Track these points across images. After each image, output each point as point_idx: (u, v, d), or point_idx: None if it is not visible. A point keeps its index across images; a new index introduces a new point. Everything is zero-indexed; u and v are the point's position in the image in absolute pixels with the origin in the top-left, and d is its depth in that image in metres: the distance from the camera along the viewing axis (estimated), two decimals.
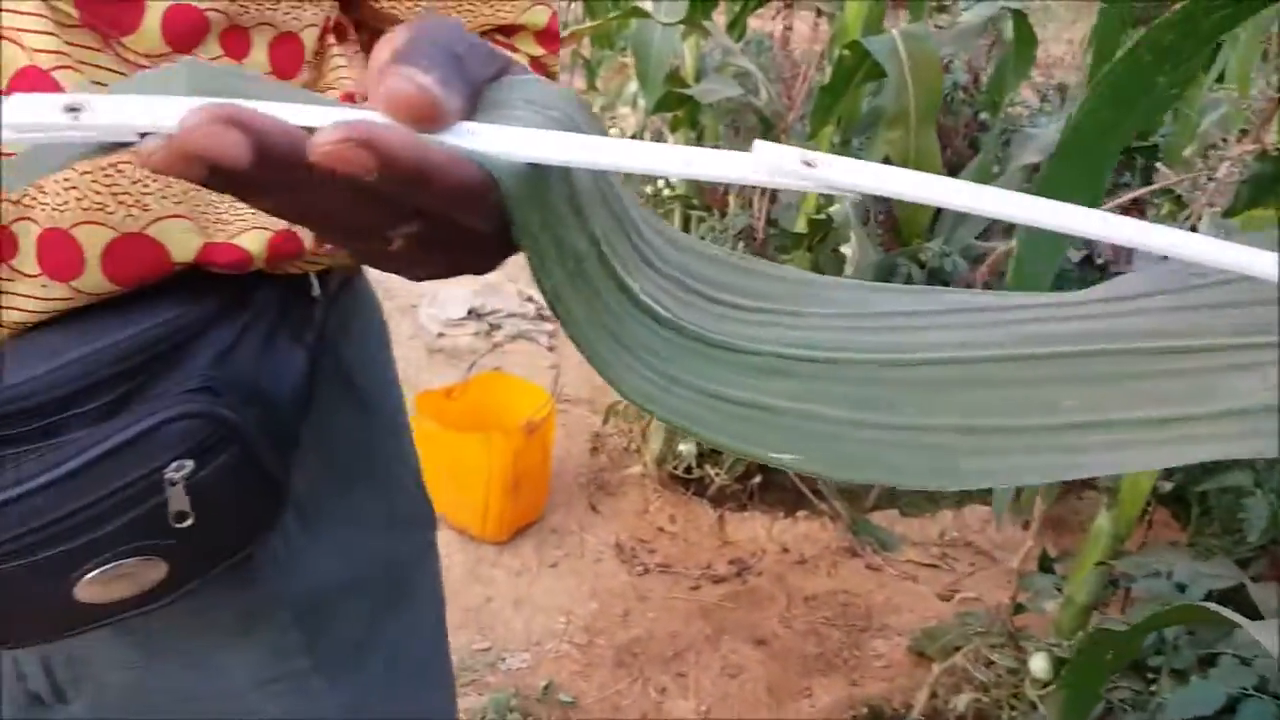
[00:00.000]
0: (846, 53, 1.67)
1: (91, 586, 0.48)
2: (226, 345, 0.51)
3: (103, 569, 0.47)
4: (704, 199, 2.12)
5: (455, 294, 2.82)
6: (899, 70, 1.62)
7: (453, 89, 0.28)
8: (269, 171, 0.25)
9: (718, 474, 1.99)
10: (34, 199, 0.45)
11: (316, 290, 0.56)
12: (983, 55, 2.24)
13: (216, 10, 0.46)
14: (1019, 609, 1.54)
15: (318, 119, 0.26)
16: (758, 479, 2.07)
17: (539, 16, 0.61)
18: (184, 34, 0.45)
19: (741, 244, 1.83)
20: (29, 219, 0.46)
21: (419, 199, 0.27)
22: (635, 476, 2.16)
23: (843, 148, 1.84)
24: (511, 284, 2.92)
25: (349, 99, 0.52)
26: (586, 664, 1.77)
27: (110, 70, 0.45)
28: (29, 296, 0.47)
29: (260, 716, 0.60)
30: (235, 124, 0.24)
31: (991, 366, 0.31)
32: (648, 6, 1.85)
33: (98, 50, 0.44)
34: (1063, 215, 0.27)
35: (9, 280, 0.46)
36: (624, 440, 2.26)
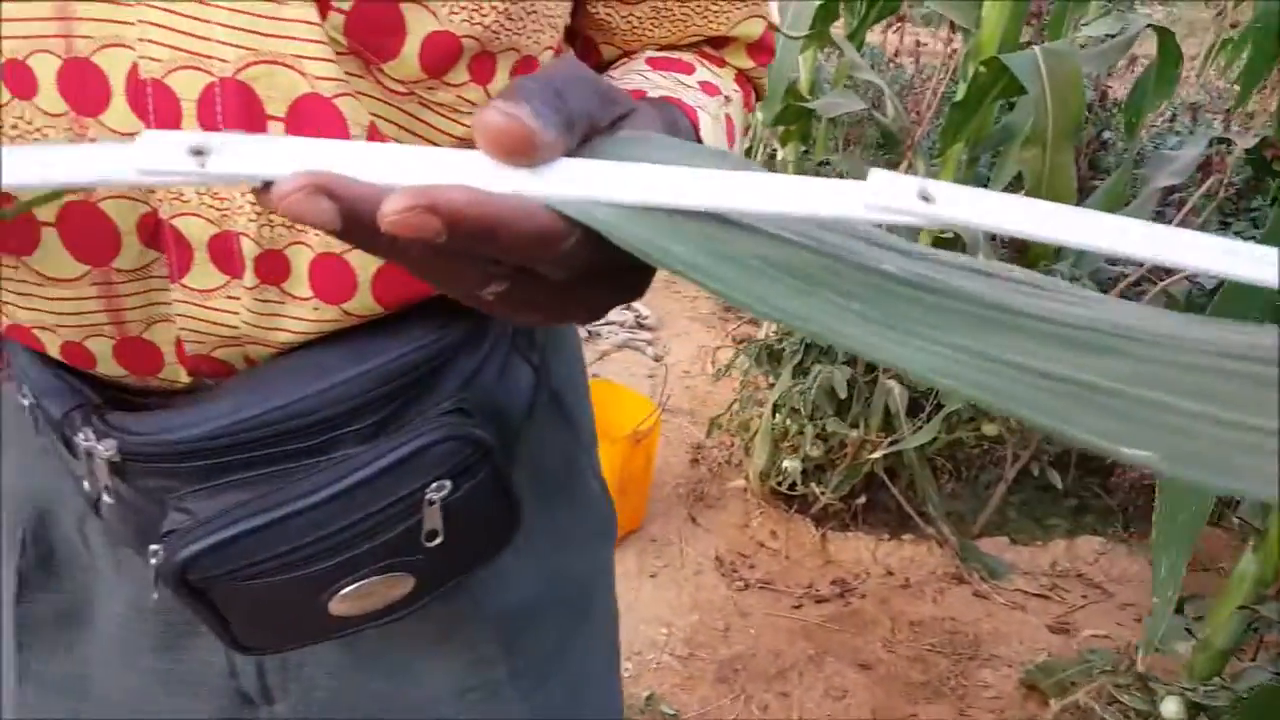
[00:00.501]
0: (983, 69, 1.63)
1: (346, 601, 0.47)
2: (474, 367, 0.50)
3: (359, 584, 0.47)
4: None
5: None
6: (1039, 88, 1.58)
7: (547, 121, 0.28)
8: (360, 234, 0.27)
9: (823, 492, 1.96)
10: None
11: None
12: (1108, 73, 2.17)
13: (471, 37, 0.45)
14: (1148, 649, 1.48)
15: (413, 169, 0.28)
16: (862, 499, 2.03)
17: (753, 28, 0.60)
18: (439, 60, 0.45)
19: None
20: (303, 244, 0.46)
21: (493, 253, 0.28)
22: (736, 490, 2.14)
23: (970, 165, 1.80)
24: None
25: None
26: (688, 677, 1.76)
27: (372, 97, 0.45)
28: (299, 318, 0.47)
29: None
30: (325, 192, 0.26)
31: None
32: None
33: (360, 77, 0.44)
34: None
35: (279, 302, 0.46)
36: (725, 453, 2.23)
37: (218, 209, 0.45)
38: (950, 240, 1.74)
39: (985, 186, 1.95)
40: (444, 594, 0.55)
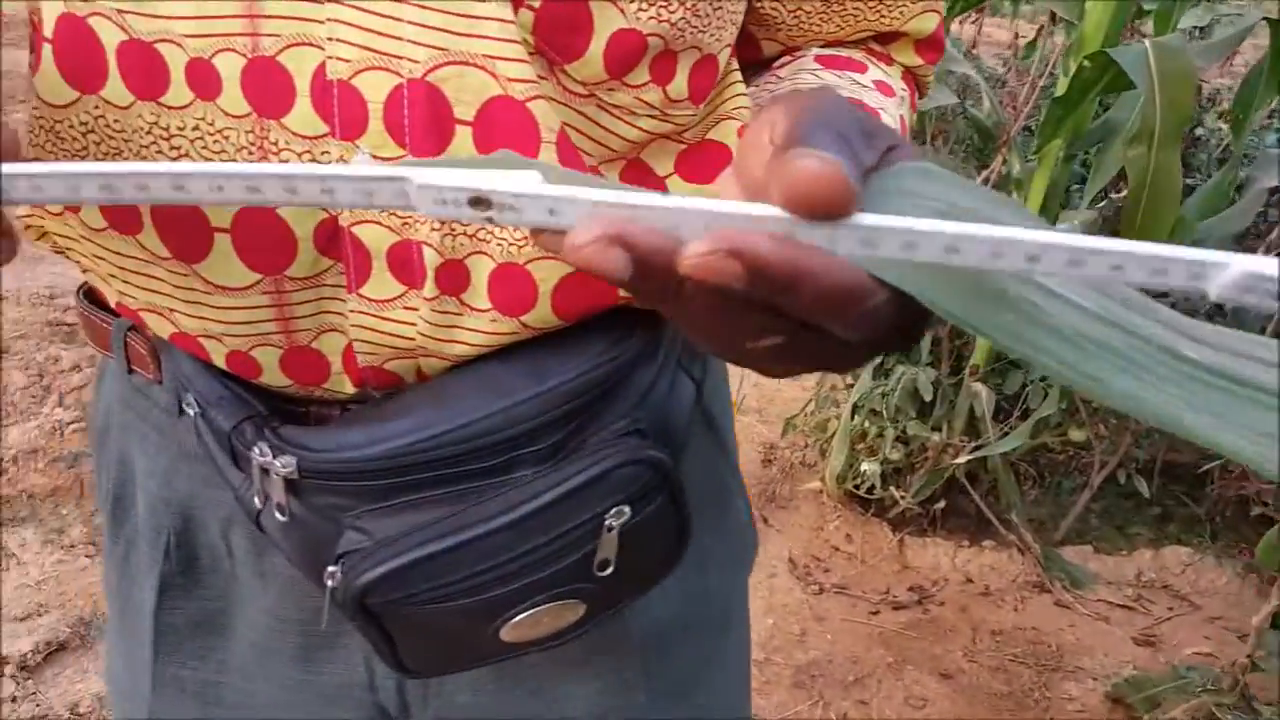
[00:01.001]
0: (1087, 63, 1.58)
1: (517, 628, 0.46)
2: (648, 384, 0.48)
3: (532, 611, 0.45)
4: None
5: None
6: (1148, 84, 1.52)
7: (854, 176, 0.26)
8: (645, 284, 0.26)
9: (902, 496, 1.92)
10: (490, 233, 0.43)
11: None
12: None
13: (657, 35, 0.43)
14: (1253, 668, 1.43)
15: (694, 221, 0.27)
16: (941, 504, 1.99)
17: (927, 23, 0.57)
18: (623, 60, 0.43)
19: None
20: (484, 253, 0.44)
21: (787, 306, 0.27)
22: (810, 492, 2.11)
23: (1066, 163, 1.75)
24: None
25: (743, 132, 0.49)
26: (764, 681, 1.73)
27: (554, 101, 0.43)
28: (476, 330, 0.45)
29: None
30: (619, 242, 0.25)
31: None
32: None
33: (544, 79, 0.42)
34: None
35: (457, 314, 0.44)
36: (798, 454, 2.20)
37: (400, 217, 0.43)
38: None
39: (1082, 185, 1.89)
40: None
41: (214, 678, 0.58)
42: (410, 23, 0.39)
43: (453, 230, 0.43)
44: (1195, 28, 2.57)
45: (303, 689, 0.57)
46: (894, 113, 0.52)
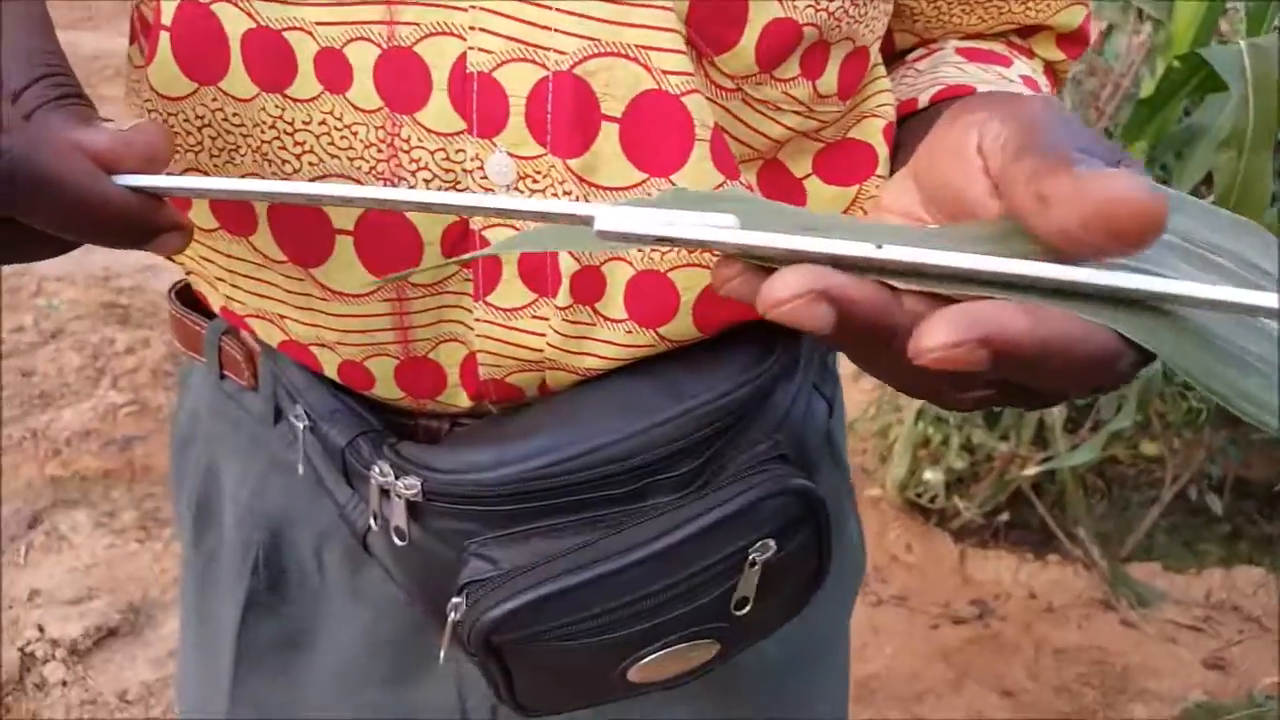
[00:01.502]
0: (1177, 64, 1.51)
1: (646, 669, 0.42)
2: (787, 405, 0.44)
3: (664, 651, 0.41)
4: None
5: None
6: (1242, 87, 1.46)
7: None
8: (850, 337, 0.25)
9: (966, 506, 1.86)
10: None
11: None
12: None
13: (813, 25, 0.39)
14: None
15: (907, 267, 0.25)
16: (1005, 515, 1.93)
17: (1074, 16, 0.52)
18: (776, 52, 0.39)
19: None
20: (622, 259, 0.40)
21: (1028, 378, 0.25)
22: (870, 500, 2.05)
23: (1148, 166, 1.68)
24: None
25: (890, 131, 0.46)
26: None
27: (701, 95, 0.39)
28: (609, 342, 0.41)
29: None
30: (826, 298, 0.23)
31: None
32: None
33: (691, 75, 0.39)
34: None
35: (590, 324, 0.40)
36: (858, 459, 2.15)
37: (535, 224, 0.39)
38: None
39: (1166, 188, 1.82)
40: None
41: (293, 697, 0.55)
42: (560, 10, 0.36)
43: None
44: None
45: (389, 712, 0.54)
46: None
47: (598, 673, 0.42)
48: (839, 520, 0.58)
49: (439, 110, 0.37)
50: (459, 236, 0.40)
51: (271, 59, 0.38)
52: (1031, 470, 1.81)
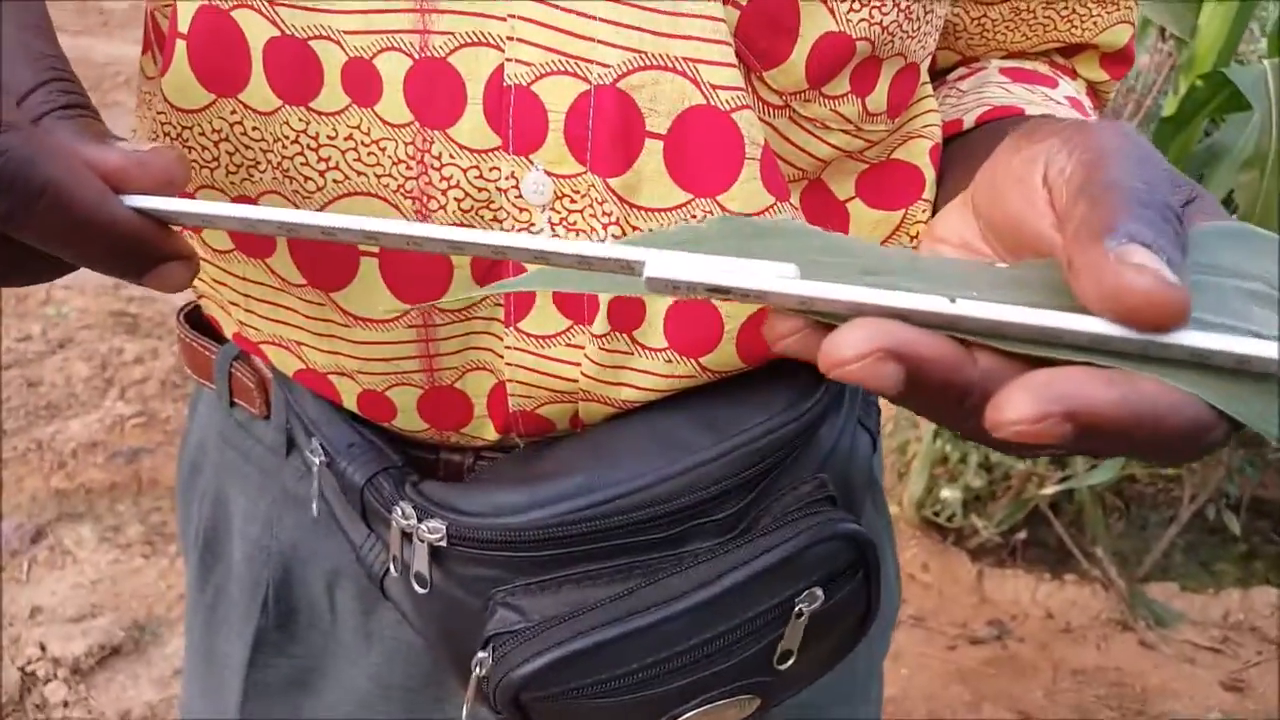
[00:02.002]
0: (1200, 83, 1.49)
1: None
2: (833, 441, 0.41)
3: (701, 709, 0.39)
4: None
5: None
6: (1266, 106, 1.44)
7: (1183, 270, 0.23)
8: (920, 397, 0.23)
9: (984, 525, 1.84)
10: None
11: None
12: None
13: (866, 40, 0.37)
14: None
15: (980, 324, 0.23)
16: (1022, 534, 1.90)
17: (1119, 35, 0.50)
18: (827, 66, 0.37)
19: None
20: None
21: (1113, 450, 0.24)
22: None
23: None
24: None
25: (936, 152, 0.44)
26: None
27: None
28: (647, 372, 0.39)
29: None
30: (895, 358, 0.22)
31: None
32: None
33: (743, 90, 0.36)
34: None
35: (627, 353, 0.38)
36: None
37: None
38: None
39: None
40: None
41: None
42: (604, 20, 0.33)
43: None
44: None
45: None
46: None
47: None
48: (882, 561, 0.56)
49: (473, 125, 0.35)
50: (492, 261, 0.37)
51: (296, 69, 0.36)
52: (1049, 489, 1.78)
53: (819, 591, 0.38)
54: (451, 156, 0.36)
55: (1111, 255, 0.22)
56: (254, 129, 0.37)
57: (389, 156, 0.36)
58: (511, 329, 0.39)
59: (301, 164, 0.37)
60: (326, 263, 0.38)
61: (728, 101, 0.35)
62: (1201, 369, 0.23)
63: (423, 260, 0.37)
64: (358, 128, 0.36)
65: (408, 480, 0.40)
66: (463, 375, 0.40)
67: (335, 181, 0.37)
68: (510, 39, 0.34)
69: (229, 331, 0.47)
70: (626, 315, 0.38)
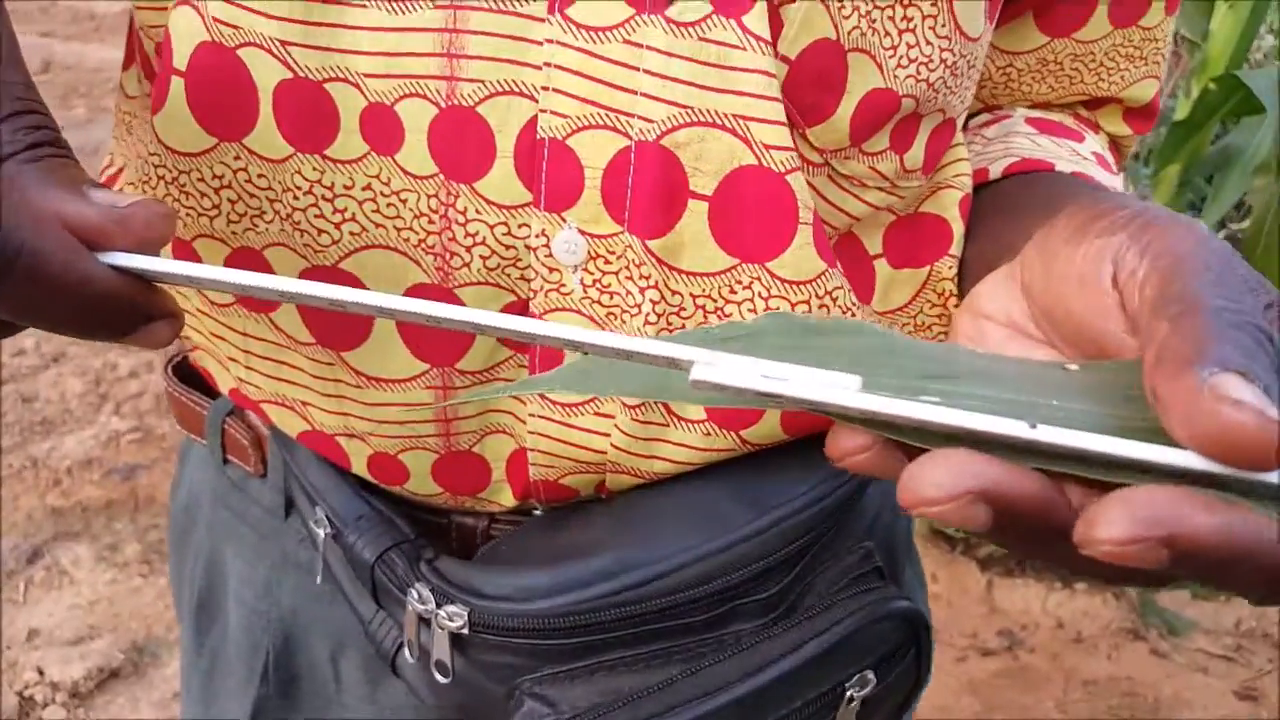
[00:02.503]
0: (1213, 86, 1.47)
1: None
2: (877, 506, 0.39)
3: None
4: None
5: None
6: (1278, 110, 1.42)
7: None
8: (1006, 535, 0.22)
9: None
10: None
11: None
12: None
13: (911, 97, 0.35)
14: None
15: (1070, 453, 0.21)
16: None
17: (1145, 90, 0.48)
18: (870, 123, 0.35)
19: None
20: None
21: (1206, 579, 0.22)
22: None
23: (1180, 189, 1.63)
24: None
25: (966, 204, 0.42)
26: None
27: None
28: (683, 445, 0.36)
29: None
30: (985, 499, 0.20)
31: None
32: None
33: (794, 150, 0.34)
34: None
35: (663, 424, 0.36)
36: None
37: (604, 306, 0.34)
38: None
39: (1199, 213, 1.77)
40: None
41: None
42: (648, 72, 0.31)
43: (669, 324, 0.34)
44: None
45: None
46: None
47: None
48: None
49: (502, 179, 0.33)
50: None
51: (310, 114, 0.33)
52: None
53: (871, 675, 0.36)
54: (478, 211, 0.33)
55: (1205, 389, 0.20)
56: (260, 176, 0.34)
57: (410, 209, 0.33)
58: (535, 395, 0.36)
59: (315, 215, 0.34)
60: (338, 320, 0.36)
61: (782, 163, 0.32)
62: None
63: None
64: (376, 177, 0.33)
65: (422, 557, 0.38)
66: (481, 439, 0.38)
67: (352, 234, 0.34)
68: (545, 89, 0.32)
69: (225, 387, 0.44)
70: None
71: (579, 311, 0.34)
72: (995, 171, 0.43)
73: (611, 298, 0.34)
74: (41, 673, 1.50)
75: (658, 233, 0.33)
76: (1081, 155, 0.45)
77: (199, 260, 0.37)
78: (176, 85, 0.34)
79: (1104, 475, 0.21)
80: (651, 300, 0.34)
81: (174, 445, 1.93)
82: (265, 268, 0.36)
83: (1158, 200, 1.61)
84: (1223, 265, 0.23)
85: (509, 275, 0.34)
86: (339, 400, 0.38)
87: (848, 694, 0.36)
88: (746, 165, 0.32)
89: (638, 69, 0.31)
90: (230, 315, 0.38)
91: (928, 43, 0.34)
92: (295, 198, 0.34)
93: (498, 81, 0.32)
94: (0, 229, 0.23)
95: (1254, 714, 1.74)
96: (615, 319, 0.34)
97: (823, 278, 0.34)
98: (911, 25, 0.34)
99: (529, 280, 0.34)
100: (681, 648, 0.35)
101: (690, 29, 0.31)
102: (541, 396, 0.36)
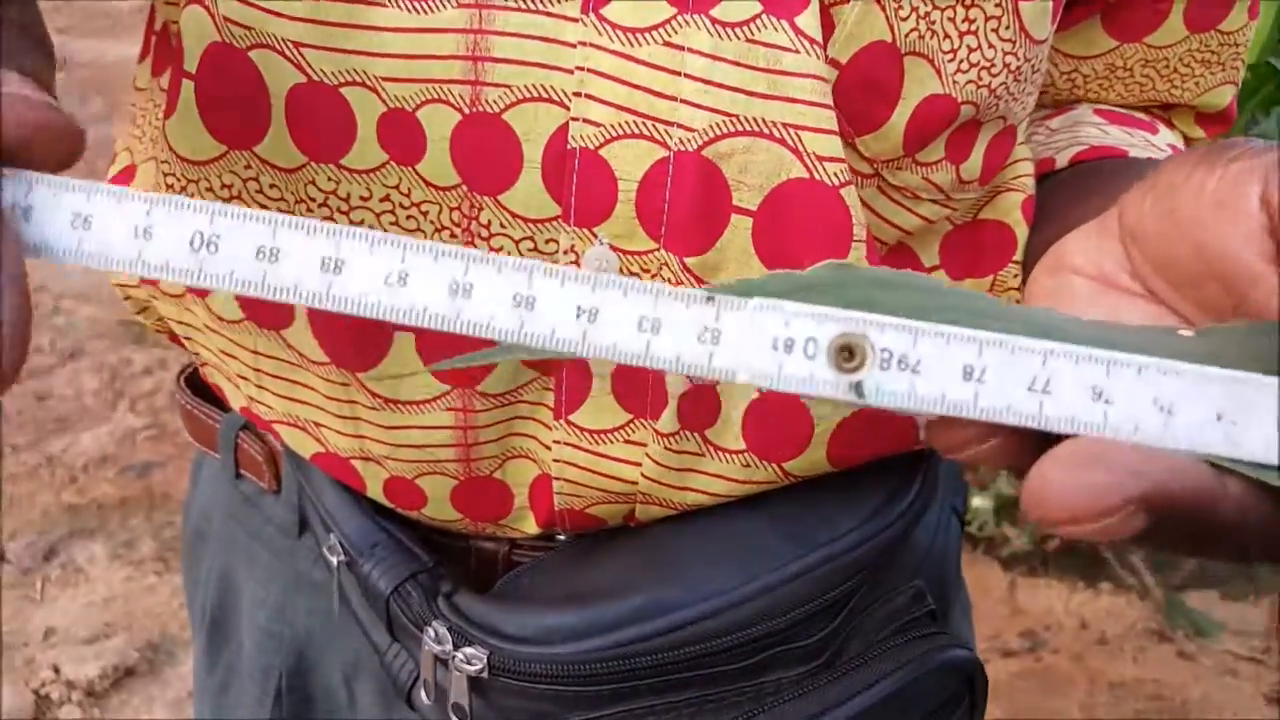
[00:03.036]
0: (1247, 74, 1.43)
1: None
2: (929, 540, 0.37)
3: None
4: None
5: None
6: None
7: None
8: (1158, 536, 0.19)
9: (1016, 534, 1.79)
10: None
11: None
12: None
13: (971, 103, 0.33)
14: None
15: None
16: (1055, 542, 1.85)
17: (1221, 97, 0.46)
18: (926, 132, 0.33)
19: None
20: None
21: None
22: None
23: None
24: None
25: (1029, 207, 0.39)
26: None
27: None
28: (719, 476, 0.34)
29: None
30: (1147, 506, 0.18)
31: None
32: None
33: (846, 162, 0.32)
34: None
35: (697, 454, 0.33)
36: None
37: None
38: None
39: None
40: None
41: None
42: (690, 77, 0.28)
43: None
44: None
45: None
46: None
47: None
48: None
49: (529, 191, 0.31)
50: None
51: (324, 121, 0.31)
52: None
53: None
54: (503, 225, 0.31)
55: None
56: (272, 187, 0.32)
57: (431, 222, 0.31)
58: (561, 422, 0.34)
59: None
60: (353, 339, 0.34)
61: (835, 175, 0.30)
62: None
63: (467, 339, 0.33)
64: (396, 188, 0.31)
65: (440, 591, 0.35)
66: (503, 465, 0.36)
67: None
68: (578, 95, 0.30)
69: (235, 405, 0.42)
70: (699, 413, 0.33)
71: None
72: (1062, 160, 0.41)
73: None
74: (57, 671, 1.50)
75: (696, 250, 0.31)
76: (1155, 145, 0.43)
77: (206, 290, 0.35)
78: (187, 89, 0.32)
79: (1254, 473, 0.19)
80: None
81: (189, 442, 1.92)
82: None
83: None
84: None
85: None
86: (354, 423, 0.36)
87: None
88: (796, 178, 0.30)
89: (679, 73, 0.29)
90: (240, 332, 0.37)
91: (990, 46, 0.32)
92: (309, 210, 0.32)
93: (526, 87, 0.30)
94: None
95: None
96: None
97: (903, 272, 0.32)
98: (973, 27, 0.31)
99: None
100: (716, 697, 0.33)
101: (737, 30, 0.29)
102: (568, 423, 0.34)
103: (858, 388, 0.19)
